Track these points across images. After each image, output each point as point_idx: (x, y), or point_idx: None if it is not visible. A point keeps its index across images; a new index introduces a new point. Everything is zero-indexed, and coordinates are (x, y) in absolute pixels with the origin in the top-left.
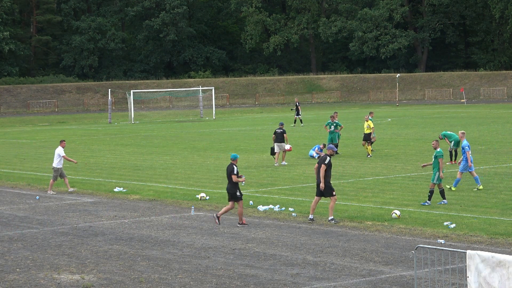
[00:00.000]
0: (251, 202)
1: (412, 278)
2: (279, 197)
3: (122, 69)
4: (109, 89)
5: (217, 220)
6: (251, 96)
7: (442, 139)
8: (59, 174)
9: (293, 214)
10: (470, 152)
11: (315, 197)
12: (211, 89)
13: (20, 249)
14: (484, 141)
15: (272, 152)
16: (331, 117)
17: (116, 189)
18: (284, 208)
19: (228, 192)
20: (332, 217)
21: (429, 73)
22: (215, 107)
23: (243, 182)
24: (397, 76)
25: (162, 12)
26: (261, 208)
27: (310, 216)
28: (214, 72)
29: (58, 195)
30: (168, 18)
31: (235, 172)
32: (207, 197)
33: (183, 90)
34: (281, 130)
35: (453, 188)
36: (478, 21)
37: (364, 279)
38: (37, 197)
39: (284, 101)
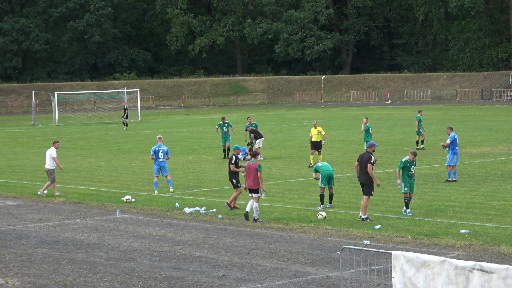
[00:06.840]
0: (177, 204)
1: (338, 279)
2: (205, 199)
3: (46, 70)
4: (33, 91)
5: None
6: (176, 98)
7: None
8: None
9: (219, 216)
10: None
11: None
12: (136, 91)
13: None
14: (408, 143)
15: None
16: (222, 118)
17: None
18: (213, 210)
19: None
20: (366, 215)
21: (354, 75)
22: (140, 109)
23: None
24: (322, 78)
25: (87, 13)
26: (187, 210)
27: (362, 215)
28: (139, 74)
29: None
30: (93, 19)
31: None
32: (133, 200)
33: (108, 92)
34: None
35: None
36: (402, 23)
37: (290, 280)
38: None
39: (210, 103)
